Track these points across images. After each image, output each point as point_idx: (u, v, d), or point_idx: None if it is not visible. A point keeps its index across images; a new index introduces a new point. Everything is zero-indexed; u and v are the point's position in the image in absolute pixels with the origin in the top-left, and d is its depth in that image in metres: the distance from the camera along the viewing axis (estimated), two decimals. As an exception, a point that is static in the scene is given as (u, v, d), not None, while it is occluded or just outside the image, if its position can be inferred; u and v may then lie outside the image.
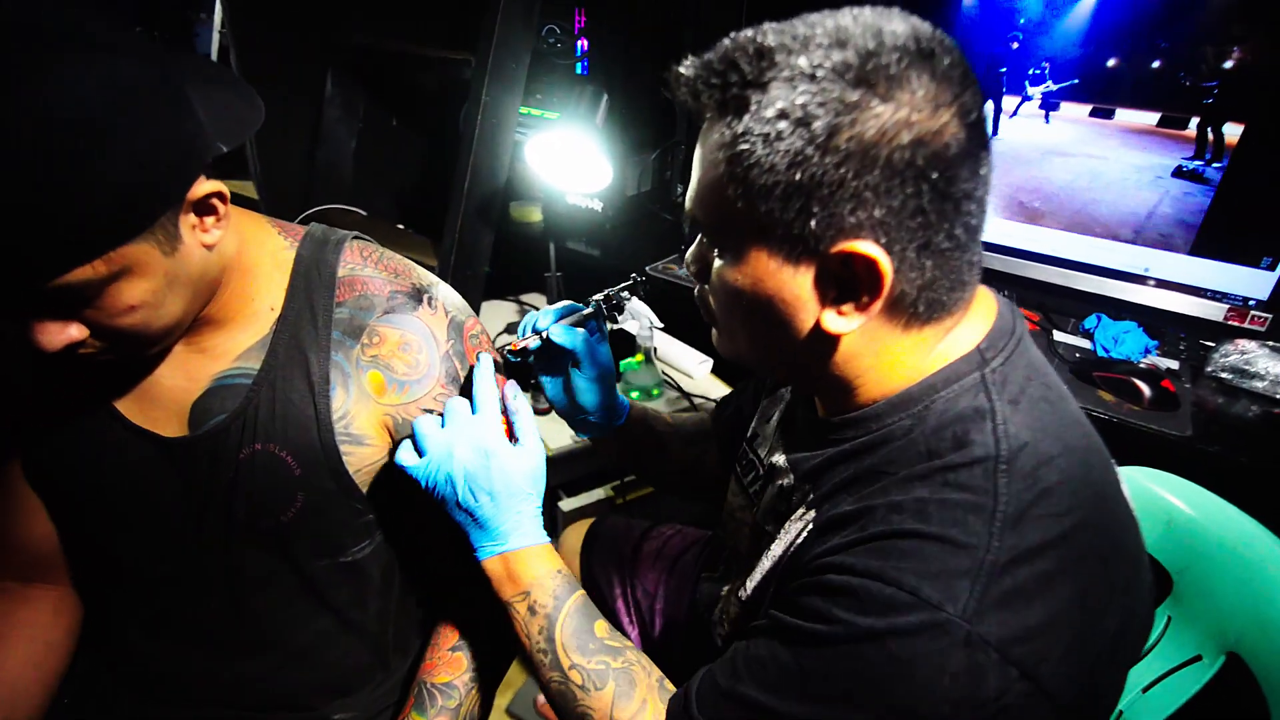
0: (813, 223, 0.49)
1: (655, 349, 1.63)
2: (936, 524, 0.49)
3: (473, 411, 0.69)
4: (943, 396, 0.54)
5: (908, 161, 0.47)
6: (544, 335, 0.80)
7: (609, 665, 0.64)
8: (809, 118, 0.47)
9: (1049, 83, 1.31)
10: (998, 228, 1.46)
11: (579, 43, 1.68)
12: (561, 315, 0.82)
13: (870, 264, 0.49)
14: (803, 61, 0.47)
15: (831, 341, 0.55)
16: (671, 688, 0.66)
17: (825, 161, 0.47)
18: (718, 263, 0.57)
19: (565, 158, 1.34)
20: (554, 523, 1.60)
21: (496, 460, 0.67)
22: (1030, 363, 0.57)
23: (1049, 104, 1.33)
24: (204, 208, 0.59)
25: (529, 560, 0.68)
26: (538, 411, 1.56)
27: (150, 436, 0.69)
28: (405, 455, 0.68)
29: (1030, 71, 1.32)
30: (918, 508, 0.50)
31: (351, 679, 0.82)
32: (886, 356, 0.56)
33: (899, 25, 0.48)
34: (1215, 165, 1.20)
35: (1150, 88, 1.23)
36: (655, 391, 1.58)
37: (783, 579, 0.61)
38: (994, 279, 1.49)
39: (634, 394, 1.58)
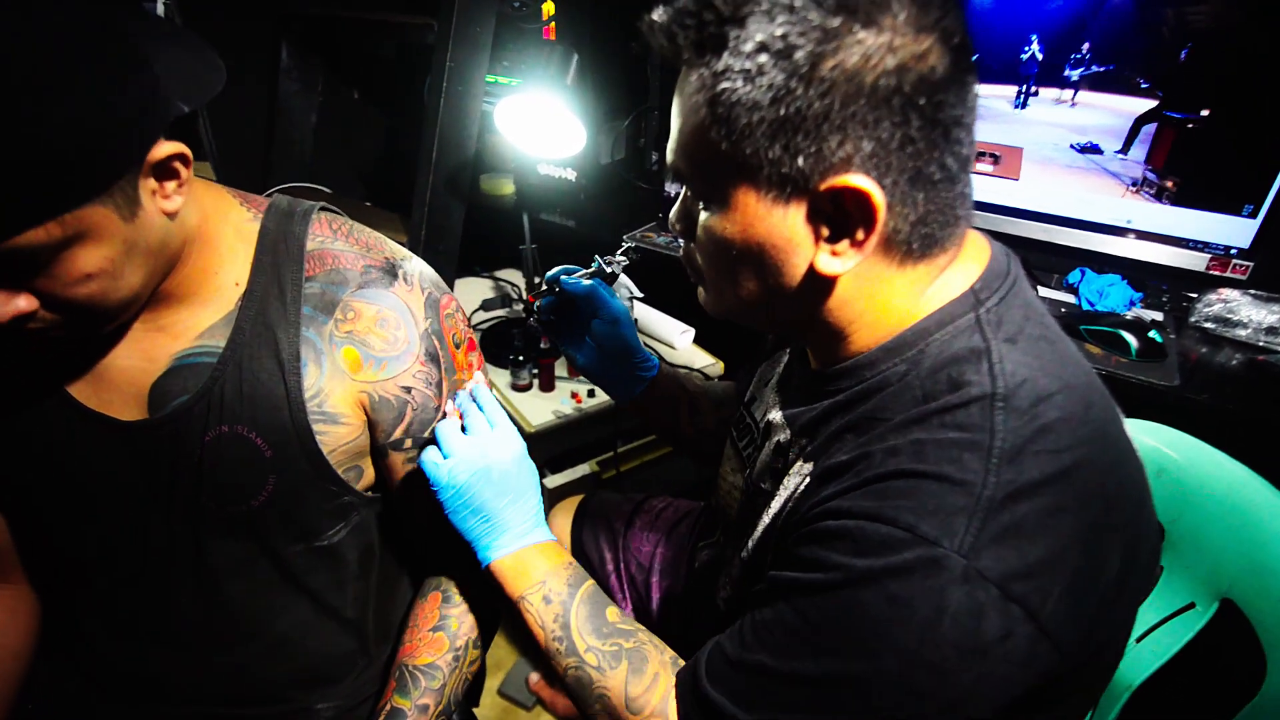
0: (800, 159, 0.48)
1: (636, 320, 1.60)
2: (933, 463, 0.48)
3: (490, 426, 0.71)
4: (937, 339, 0.53)
5: (894, 88, 0.46)
6: (558, 283, 0.82)
7: (621, 646, 0.64)
8: (790, 48, 0.45)
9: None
10: (979, 185, 1.45)
11: (546, 6, 1.62)
12: (564, 275, 0.85)
13: (862, 198, 0.48)
14: None
15: (826, 285, 0.53)
16: (683, 663, 0.65)
17: (809, 94, 0.46)
18: (703, 215, 0.56)
19: (536, 121, 1.29)
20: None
21: (521, 465, 0.70)
22: (1027, 302, 0.55)
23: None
24: (165, 171, 0.55)
25: (542, 554, 0.69)
26: (517, 388, 1.52)
27: (106, 421, 0.65)
28: (431, 457, 0.68)
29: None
30: (914, 449, 0.49)
31: (332, 667, 0.79)
32: (880, 299, 0.54)
33: None
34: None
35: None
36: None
37: (783, 533, 0.59)
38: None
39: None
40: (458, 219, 1.53)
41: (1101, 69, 1.25)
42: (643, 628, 0.67)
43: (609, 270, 0.86)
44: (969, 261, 0.56)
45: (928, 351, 0.53)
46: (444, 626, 0.75)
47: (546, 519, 1.21)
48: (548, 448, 1.52)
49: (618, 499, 1.18)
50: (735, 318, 0.61)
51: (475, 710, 1.00)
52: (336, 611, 0.77)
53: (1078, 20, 1.26)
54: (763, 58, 0.46)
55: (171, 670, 0.76)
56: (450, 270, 1.58)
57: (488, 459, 0.68)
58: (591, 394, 1.50)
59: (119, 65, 0.50)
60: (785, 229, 0.51)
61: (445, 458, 0.68)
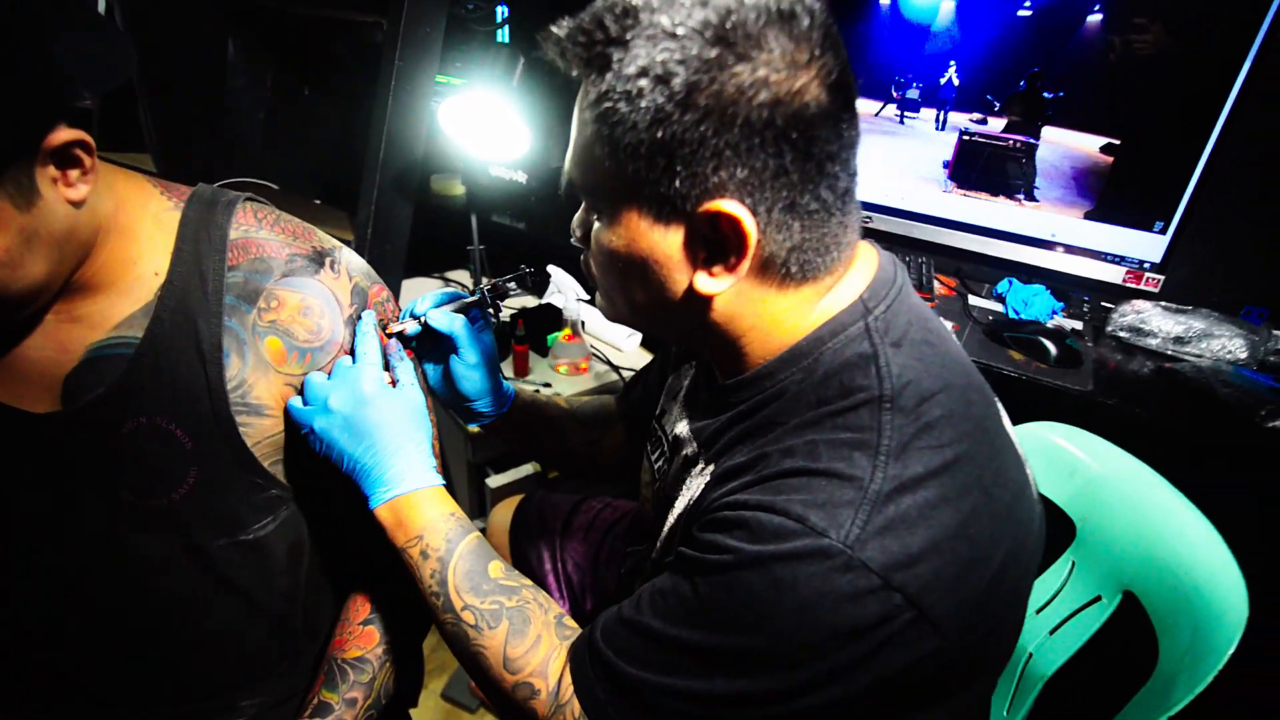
0: (678, 182, 0.50)
1: (583, 322, 1.61)
2: (825, 460, 0.51)
3: (350, 364, 0.70)
4: (830, 348, 0.56)
5: (766, 121, 0.48)
6: (422, 320, 0.78)
7: (503, 605, 0.64)
8: (668, 75, 0.47)
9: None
10: (918, 195, 1.50)
11: (498, 8, 1.63)
12: (444, 302, 0.81)
13: (735, 224, 0.50)
14: (665, 20, 0.48)
15: (707, 302, 0.56)
16: (571, 623, 0.67)
17: (685, 119, 0.48)
18: (595, 226, 0.58)
19: (481, 122, 1.30)
20: (482, 500, 1.58)
21: (372, 406, 0.67)
22: (911, 308, 0.59)
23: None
24: (65, 159, 0.54)
25: (419, 505, 0.67)
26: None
27: (16, 414, 0.63)
28: (293, 401, 0.69)
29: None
30: (808, 449, 0.52)
31: (259, 664, 0.78)
32: (767, 316, 0.57)
33: None
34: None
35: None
36: (583, 364, 1.56)
37: (686, 527, 0.62)
38: (913, 246, 1.53)
39: (562, 368, 1.56)
40: (405, 218, 1.52)
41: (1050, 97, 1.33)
42: (530, 584, 0.68)
43: (492, 300, 0.85)
44: (857, 273, 0.59)
45: (821, 360, 0.56)
46: (375, 620, 0.75)
47: (487, 518, 1.22)
48: (491, 446, 1.53)
49: (556, 499, 1.19)
50: (628, 324, 0.64)
51: (413, 712, 0.99)
52: (263, 607, 0.76)
53: (999, 51, 1.34)
54: (643, 81, 0.48)
55: (91, 668, 0.74)
56: (398, 269, 1.58)
57: (330, 403, 0.67)
58: (536, 394, 1.51)
59: (4, 47, 0.49)
60: (665, 248, 0.53)
61: (306, 404, 0.68)
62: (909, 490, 0.49)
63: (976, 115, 1.40)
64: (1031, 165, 1.37)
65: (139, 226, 0.64)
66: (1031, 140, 1.36)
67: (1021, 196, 1.42)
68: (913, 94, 1.45)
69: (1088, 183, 1.32)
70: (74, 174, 0.55)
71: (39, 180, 0.52)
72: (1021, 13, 1.30)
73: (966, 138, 1.43)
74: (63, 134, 0.52)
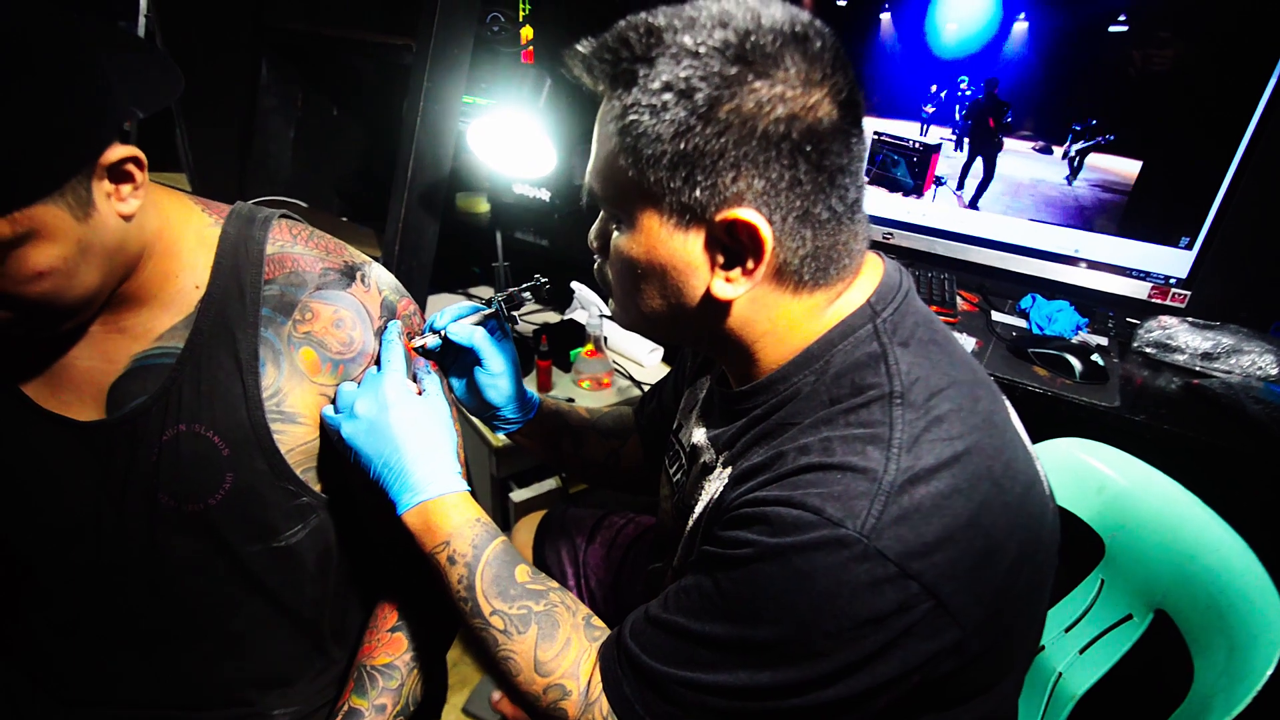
0: (698, 191, 0.53)
1: (605, 338, 1.62)
2: (840, 455, 0.53)
3: (374, 373, 0.72)
4: (840, 350, 0.58)
5: (783, 134, 0.51)
6: (441, 334, 0.80)
7: (531, 609, 0.65)
8: (691, 90, 0.50)
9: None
10: (937, 210, 1.50)
11: (524, 30, 1.67)
12: (463, 316, 0.84)
13: (752, 231, 0.53)
14: (687, 39, 0.51)
15: (723, 307, 0.58)
16: (599, 623, 0.68)
17: (707, 131, 0.51)
18: (615, 235, 0.60)
19: (508, 141, 1.33)
20: (505, 515, 1.59)
21: (395, 411, 0.69)
22: (917, 311, 0.61)
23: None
24: (119, 174, 0.57)
25: (445, 510, 0.68)
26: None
27: (63, 421, 0.65)
28: (326, 410, 0.71)
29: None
30: (823, 445, 0.54)
31: (288, 669, 0.79)
32: (781, 321, 0.59)
33: (777, 11, 0.52)
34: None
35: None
36: (605, 380, 1.57)
37: (707, 528, 0.63)
38: (936, 263, 1.53)
39: (585, 384, 1.57)
40: (432, 236, 1.55)
41: (1103, 140, 1.31)
42: (556, 586, 0.69)
43: (508, 311, 0.86)
44: (866, 278, 0.61)
45: (833, 361, 0.58)
46: (402, 627, 0.76)
47: (511, 533, 1.23)
48: (515, 462, 1.54)
49: (581, 514, 1.20)
50: (642, 332, 0.66)
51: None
52: (292, 612, 0.77)
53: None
54: (667, 95, 0.51)
55: (123, 671, 0.75)
56: (424, 286, 1.60)
57: (355, 409, 0.69)
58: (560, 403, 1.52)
59: (68, 70, 0.52)
60: (685, 253, 0.56)
61: (337, 412, 0.70)
62: (922, 481, 0.50)
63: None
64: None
65: (182, 242, 0.66)
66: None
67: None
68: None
69: (1100, 205, 1.31)
70: (126, 189, 0.58)
71: (95, 193, 0.55)
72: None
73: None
74: (118, 150, 0.55)
